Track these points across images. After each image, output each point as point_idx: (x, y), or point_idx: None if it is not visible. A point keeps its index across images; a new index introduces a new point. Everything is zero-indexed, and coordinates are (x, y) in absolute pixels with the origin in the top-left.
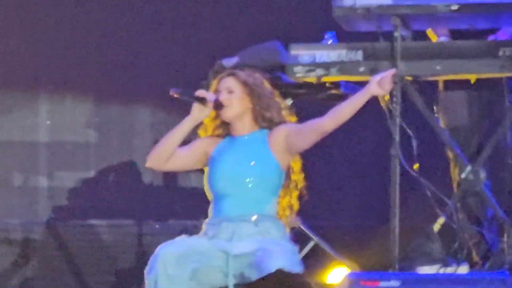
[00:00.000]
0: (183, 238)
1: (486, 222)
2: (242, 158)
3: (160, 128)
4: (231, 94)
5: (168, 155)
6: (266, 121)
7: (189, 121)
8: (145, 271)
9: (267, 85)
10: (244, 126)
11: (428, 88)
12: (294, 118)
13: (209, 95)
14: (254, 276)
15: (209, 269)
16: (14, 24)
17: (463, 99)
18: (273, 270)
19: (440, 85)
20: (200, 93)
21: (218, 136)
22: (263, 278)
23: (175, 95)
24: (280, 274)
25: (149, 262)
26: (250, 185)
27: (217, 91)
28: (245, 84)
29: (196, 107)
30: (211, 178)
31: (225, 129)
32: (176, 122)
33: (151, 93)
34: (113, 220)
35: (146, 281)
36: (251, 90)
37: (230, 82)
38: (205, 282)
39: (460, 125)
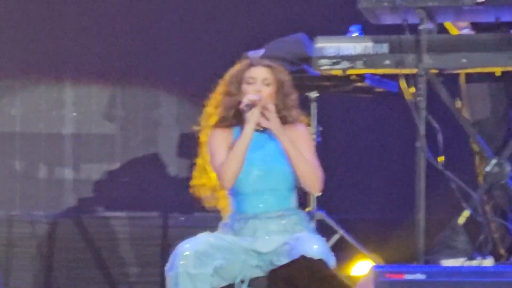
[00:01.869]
0: (203, 235)
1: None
2: (264, 154)
3: (185, 120)
4: (268, 86)
5: (241, 168)
6: (283, 118)
7: (251, 128)
8: (166, 268)
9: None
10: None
11: (450, 82)
12: (304, 119)
13: (256, 97)
14: (284, 262)
15: (233, 264)
16: (38, 15)
17: (487, 92)
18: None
19: (462, 78)
20: (252, 99)
21: (227, 126)
22: (287, 264)
23: (244, 109)
24: (304, 260)
25: (169, 259)
26: (273, 181)
27: (250, 78)
28: (279, 81)
29: (252, 112)
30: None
31: (235, 118)
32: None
33: (177, 85)
34: (138, 212)
35: (167, 278)
36: (282, 88)
37: (267, 74)
38: (228, 277)
39: (485, 118)
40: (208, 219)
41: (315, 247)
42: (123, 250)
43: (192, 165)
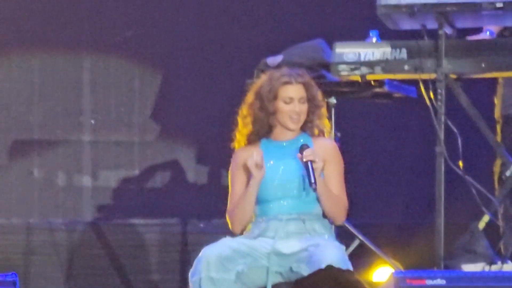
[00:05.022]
0: (226, 240)
1: None
2: (292, 163)
3: (204, 128)
4: (304, 104)
5: (250, 216)
6: (311, 127)
7: (256, 181)
8: (189, 274)
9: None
10: (291, 132)
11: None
12: (328, 124)
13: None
14: (304, 270)
15: (255, 270)
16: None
17: None
18: (324, 265)
19: None
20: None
21: (255, 140)
22: (313, 274)
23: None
24: (330, 270)
25: (193, 265)
26: (299, 189)
27: (287, 98)
28: (312, 96)
29: (255, 171)
30: (262, 185)
31: (261, 130)
32: (218, 122)
33: (195, 93)
34: (157, 219)
35: (190, 284)
36: (314, 101)
37: (302, 92)
38: (250, 283)
39: None
40: (227, 226)
41: (334, 255)
42: (142, 257)
43: (209, 172)
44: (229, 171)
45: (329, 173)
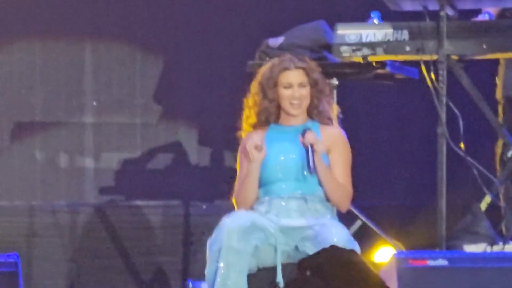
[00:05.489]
0: (245, 212)
1: None
2: (294, 147)
3: (206, 109)
4: (304, 88)
5: (255, 195)
6: (318, 114)
7: (256, 163)
8: (208, 243)
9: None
10: (298, 117)
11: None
12: (336, 110)
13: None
14: (310, 249)
15: (266, 247)
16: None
17: None
18: (329, 244)
19: None
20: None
21: (262, 126)
22: (316, 253)
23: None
24: (334, 250)
25: (213, 234)
26: (300, 172)
27: (286, 83)
28: (314, 80)
29: (254, 153)
30: (265, 168)
31: (269, 117)
32: (220, 104)
33: (197, 75)
34: (160, 201)
35: (208, 252)
36: (316, 85)
37: (302, 77)
38: (262, 260)
39: None
40: (230, 207)
41: (341, 234)
42: (145, 239)
43: (212, 154)
44: (238, 155)
45: (334, 161)
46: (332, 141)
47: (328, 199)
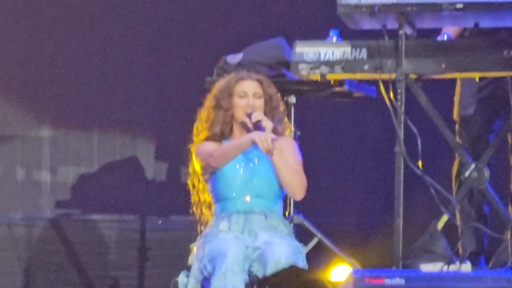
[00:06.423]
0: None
1: (482, 218)
2: (251, 161)
3: (163, 124)
4: (259, 99)
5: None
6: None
7: (250, 140)
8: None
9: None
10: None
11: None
12: (288, 131)
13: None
14: (258, 270)
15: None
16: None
17: (476, 89)
18: (272, 263)
19: None
20: (261, 118)
21: (217, 141)
22: (275, 274)
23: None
24: (291, 270)
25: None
26: (259, 186)
27: (241, 92)
28: (268, 95)
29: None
30: (219, 182)
31: (222, 129)
32: (178, 119)
33: (155, 90)
34: (116, 215)
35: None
36: (270, 101)
37: (257, 87)
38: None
39: (471, 115)
40: (186, 222)
41: (284, 252)
42: (101, 253)
43: (168, 169)
44: (197, 151)
45: (287, 154)
46: (282, 144)
47: (282, 186)
